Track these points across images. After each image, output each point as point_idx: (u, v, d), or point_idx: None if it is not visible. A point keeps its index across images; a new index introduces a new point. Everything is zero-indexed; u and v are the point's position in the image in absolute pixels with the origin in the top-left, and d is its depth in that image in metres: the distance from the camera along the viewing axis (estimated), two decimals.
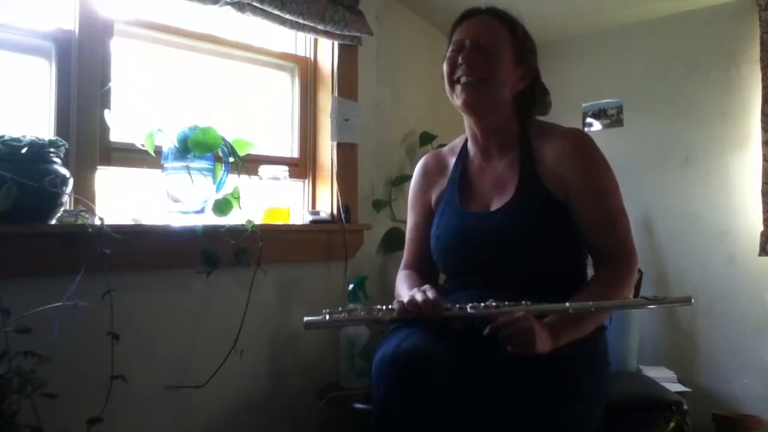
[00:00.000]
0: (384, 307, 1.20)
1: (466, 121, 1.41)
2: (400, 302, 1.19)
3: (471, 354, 1.13)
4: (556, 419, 1.09)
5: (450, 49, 1.35)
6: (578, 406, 1.14)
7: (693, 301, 1.16)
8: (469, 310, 1.15)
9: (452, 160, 1.47)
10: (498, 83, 1.31)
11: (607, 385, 1.25)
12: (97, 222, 1.28)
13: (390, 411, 1.05)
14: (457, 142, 1.50)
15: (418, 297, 1.17)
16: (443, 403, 1.04)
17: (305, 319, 1.20)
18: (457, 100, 1.33)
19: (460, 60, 1.31)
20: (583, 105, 2.56)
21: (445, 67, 1.35)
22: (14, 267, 1.22)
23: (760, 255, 2.09)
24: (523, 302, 1.13)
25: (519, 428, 1.06)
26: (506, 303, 1.13)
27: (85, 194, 1.42)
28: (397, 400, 1.05)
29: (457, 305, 1.16)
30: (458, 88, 1.32)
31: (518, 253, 1.27)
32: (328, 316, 1.18)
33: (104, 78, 1.50)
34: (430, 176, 1.49)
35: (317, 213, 1.96)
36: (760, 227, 2.09)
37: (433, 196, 1.46)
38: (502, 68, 1.31)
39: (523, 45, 1.35)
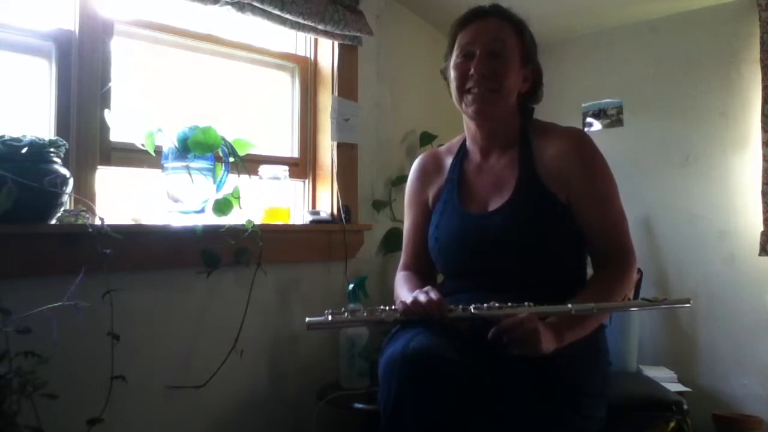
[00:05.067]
0: (387, 308, 1.20)
1: (468, 123, 1.41)
2: (404, 303, 1.19)
3: (476, 353, 1.13)
4: (563, 419, 1.10)
5: (457, 54, 1.34)
6: (585, 404, 1.14)
7: (691, 302, 1.17)
8: (472, 310, 1.15)
9: (449, 160, 1.46)
10: (508, 92, 1.32)
11: (609, 383, 1.25)
12: (97, 222, 1.28)
13: (402, 410, 1.05)
14: (455, 142, 1.50)
15: (422, 298, 1.17)
16: (454, 400, 1.05)
17: (307, 319, 1.19)
18: (468, 109, 1.33)
19: (471, 71, 1.30)
20: (583, 105, 2.56)
21: (453, 73, 1.34)
22: (14, 267, 1.22)
23: (760, 255, 2.09)
24: (525, 303, 1.13)
25: (526, 428, 1.07)
26: (509, 304, 1.13)
27: (85, 194, 1.42)
28: (409, 398, 1.05)
29: (461, 306, 1.16)
30: (469, 98, 1.32)
31: (517, 254, 1.27)
32: (330, 317, 1.18)
33: (104, 78, 1.51)
34: (426, 175, 1.48)
35: (317, 213, 1.96)
36: (760, 227, 2.09)
37: (430, 195, 1.46)
38: (511, 76, 1.31)
39: (529, 46, 1.35)
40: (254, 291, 1.63)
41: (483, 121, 1.35)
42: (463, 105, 1.34)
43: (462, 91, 1.33)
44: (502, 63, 1.30)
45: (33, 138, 1.22)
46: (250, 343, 1.65)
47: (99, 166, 1.50)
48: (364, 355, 1.78)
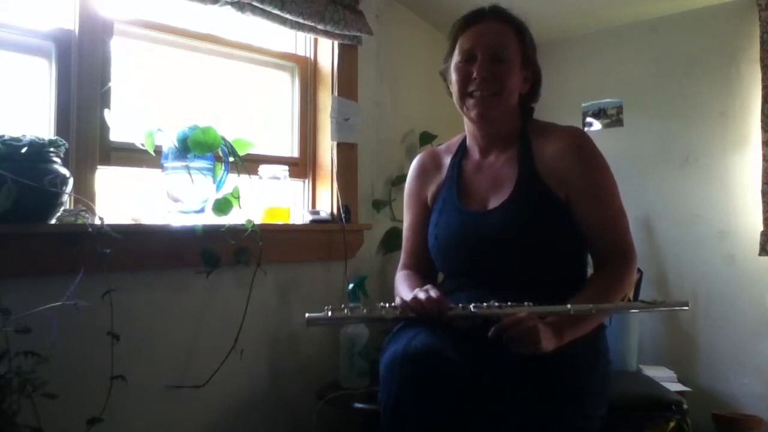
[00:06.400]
0: (387, 305, 1.20)
1: (468, 124, 1.41)
2: (403, 301, 1.19)
3: (476, 352, 1.13)
4: (564, 418, 1.10)
5: (459, 59, 1.33)
6: (585, 404, 1.14)
7: (690, 303, 1.17)
8: (472, 309, 1.15)
9: (448, 159, 1.46)
10: (509, 94, 1.32)
11: (609, 383, 1.25)
12: (97, 222, 1.28)
13: (403, 409, 1.06)
14: (454, 141, 1.50)
15: (421, 296, 1.17)
16: (455, 399, 1.05)
17: (307, 315, 1.19)
18: (470, 113, 1.33)
19: (474, 74, 1.30)
20: (583, 105, 2.56)
21: (455, 76, 1.34)
22: (14, 267, 1.22)
23: (760, 255, 2.09)
24: (525, 303, 1.13)
25: (527, 427, 1.07)
26: (508, 303, 1.13)
27: (85, 194, 1.42)
28: (410, 398, 1.05)
29: (460, 305, 1.16)
30: (471, 102, 1.32)
31: (517, 252, 1.27)
32: (330, 313, 1.18)
33: (104, 78, 1.50)
34: (426, 174, 1.48)
35: (317, 213, 1.96)
36: (760, 227, 2.09)
37: (429, 194, 1.46)
38: (513, 78, 1.31)
39: (529, 48, 1.35)
40: (254, 291, 1.63)
41: (484, 125, 1.35)
42: (465, 108, 1.34)
43: (464, 94, 1.33)
44: (504, 66, 1.30)
45: (33, 138, 1.22)
46: (250, 342, 1.65)
47: (99, 166, 1.50)
48: (364, 354, 1.78)
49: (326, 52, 2.06)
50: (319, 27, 1.88)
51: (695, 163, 2.31)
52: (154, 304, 1.49)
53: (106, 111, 1.47)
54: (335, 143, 2.01)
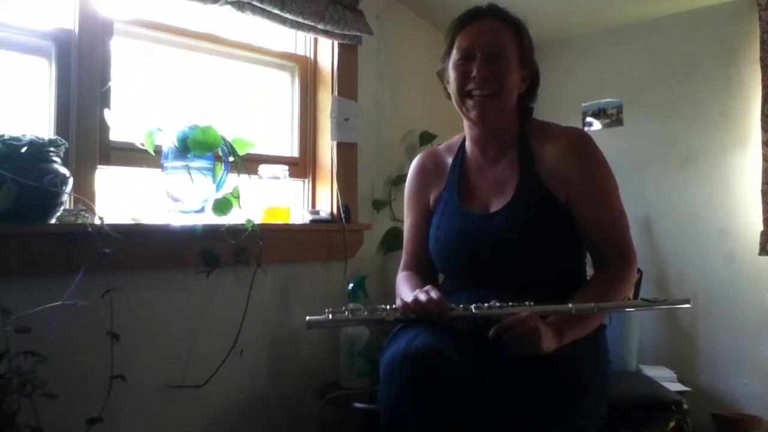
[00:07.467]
0: (387, 307, 1.20)
1: (468, 124, 1.40)
2: (404, 302, 1.19)
3: (477, 352, 1.13)
4: (564, 418, 1.10)
5: (457, 57, 1.33)
6: (585, 404, 1.14)
7: (691, 303, 1.17)
8: (473, 310, 1.15)
9: (449, 159, 1.46)
10: (509, 93, 1.31)
11: (609, 383, 1.25)
12: (97, 221, 1.28)
13: (403, 410, 1.06)
14: (455, 141, 1.50)
15: (422, 297, 1.17)
16: (455, 400, 1.05)
17: (308, 318, 1.19)
18: (470, 113, 1.33)
19: (473, 73, 1.29)
20: (583, 105, 2.56)
21: (453, 74, 1.33)
22: (14, 267, 1.22)
23: (760, 255, 2.09)
24: (526, 303, 1.13)
25: (527, 427, 1.07)
26: (509, 303, 1.13)
27: (85, 194, 1.42)
28: (410, 399, 1.05)
29: (461, 305, 1.16)
30: (470, 102, 1.31)
31: (518, 254, 1.27)
32: (330, 316, 1.18)
33: (104, 77, 1.50)
34: (426, 175, 1.48)
35: (317, 213, 1.96)
36: (760, 227, 2.09)
37: (431, 196, 1.46)
38: (512, 77, 1.31)
39: (527, 46, 1.35)
40: (254, 290, 1.63)
41: (484, 125, 1.35)
42: (464, 109, 1.34)
43: (462, 93, 1.32)
44: (503, 65, 1.30)
45: (33, 137, 1.22)
46: (250, 342, 1.65)
47: (99, 166, 1.50)
48: (364, 354, 1.78)
49: (326, 52, 2.05)
50: (319, 27, 1.88)
51: (695, 163, 2.31)
52: (154, 304, 1.49)
53: (106, 111, 1.47)
54: (335, 143, 2.01)
